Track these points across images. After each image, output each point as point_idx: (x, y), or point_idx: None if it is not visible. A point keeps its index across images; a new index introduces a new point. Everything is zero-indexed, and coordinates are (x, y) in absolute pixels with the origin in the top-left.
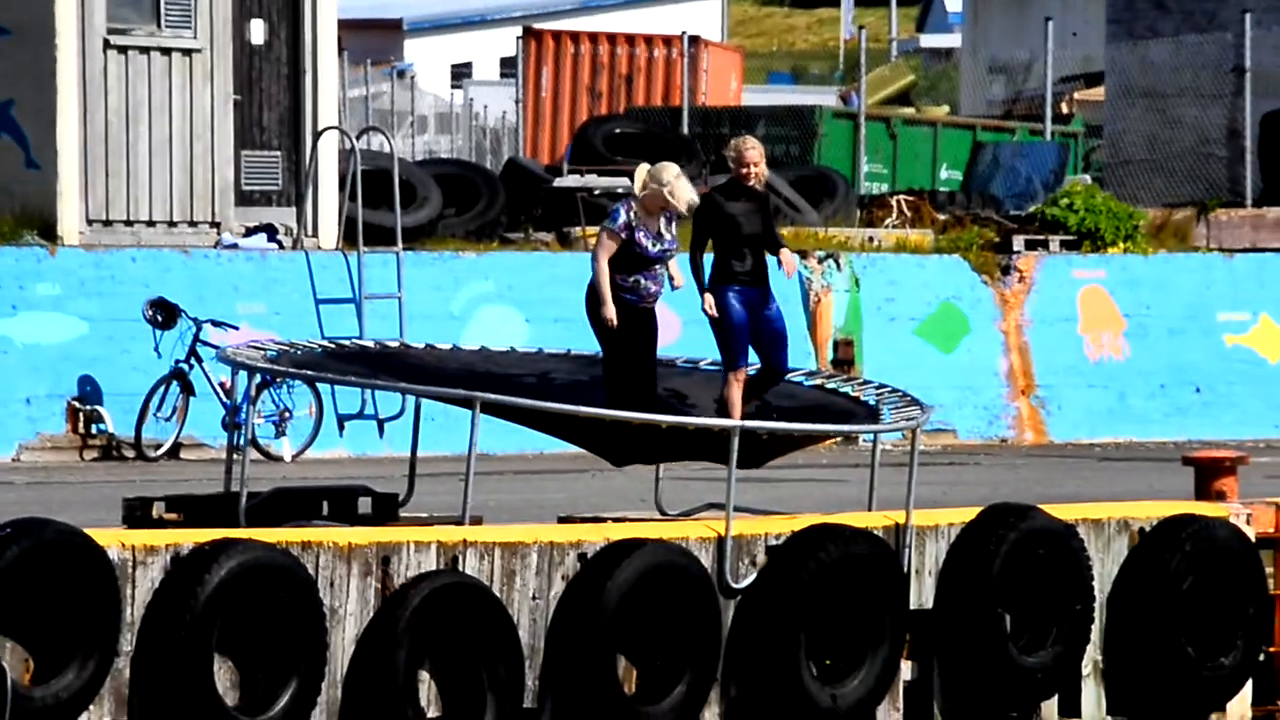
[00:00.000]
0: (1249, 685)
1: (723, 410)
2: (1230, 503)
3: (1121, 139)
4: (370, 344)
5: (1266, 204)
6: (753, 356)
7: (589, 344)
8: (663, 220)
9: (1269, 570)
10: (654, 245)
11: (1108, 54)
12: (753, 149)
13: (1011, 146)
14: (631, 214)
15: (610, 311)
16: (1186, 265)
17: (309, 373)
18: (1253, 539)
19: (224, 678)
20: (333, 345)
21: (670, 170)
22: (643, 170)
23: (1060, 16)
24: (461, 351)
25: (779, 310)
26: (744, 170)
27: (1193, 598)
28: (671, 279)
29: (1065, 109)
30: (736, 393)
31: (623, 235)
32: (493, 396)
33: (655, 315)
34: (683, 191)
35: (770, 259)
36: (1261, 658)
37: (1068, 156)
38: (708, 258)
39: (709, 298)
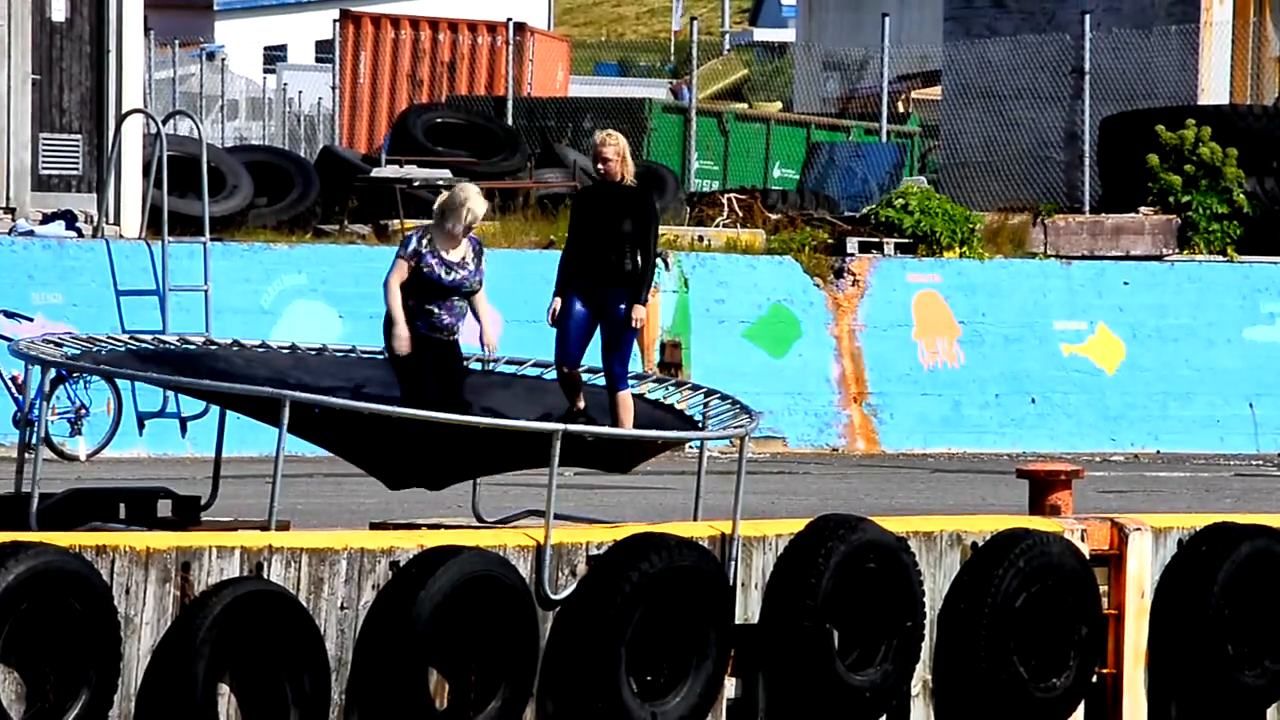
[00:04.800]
0: (1081, 707)
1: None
2: (1064, 518)
3: (958, 140)
4: (173, 341)
5: (1105, 210)
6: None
7: None
8: (469, 249)
9: (1103, 588)
10: (447, 273)
11: (945, 52)
12: (607, 145)
13: (848, 147)
14: (423, 241)
15: (403, 333)
16: (1023, 271)
17: (107, 368)
18: (1087, 555)
19: (10, 689)
20: (134, 342)
21: (466, 190)
22: (441, 198)
23: (897, 13)
24: (271, 352)
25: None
26: (598, 166)
27: (1025, 616)
28: (481, 337)
29: (902, 108)
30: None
31: (410, 262)
32: (303, 395)
33: (457, 349)
34: (475, 208)
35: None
36: (1094, 679)
37: (904, 158)
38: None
39: (557, 302)
